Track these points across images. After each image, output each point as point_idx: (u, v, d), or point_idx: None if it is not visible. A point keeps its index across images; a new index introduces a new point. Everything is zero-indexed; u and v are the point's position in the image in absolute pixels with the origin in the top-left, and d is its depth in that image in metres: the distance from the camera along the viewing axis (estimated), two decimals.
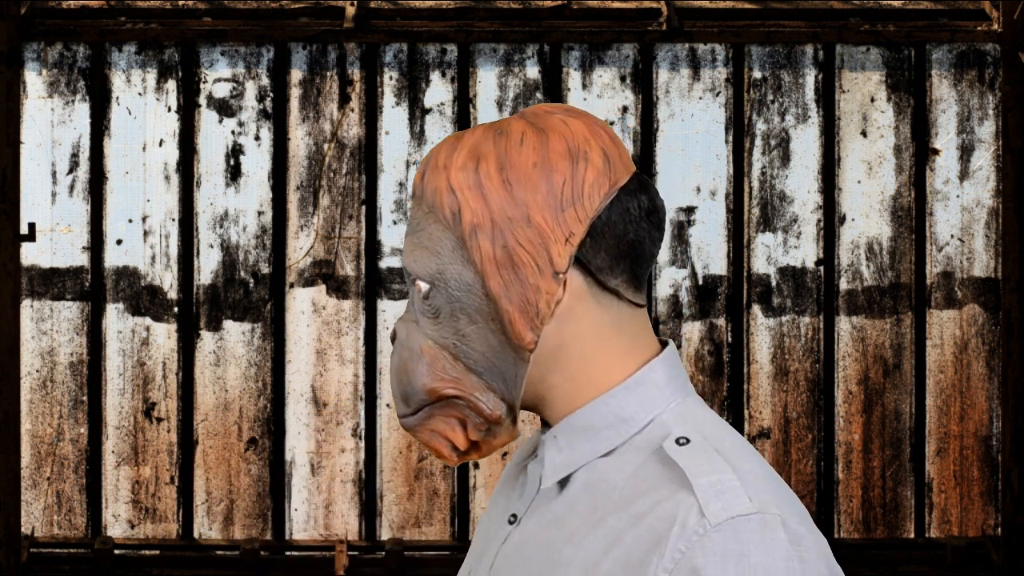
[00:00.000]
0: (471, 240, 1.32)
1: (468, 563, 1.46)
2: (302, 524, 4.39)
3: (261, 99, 4.38)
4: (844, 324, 4.40)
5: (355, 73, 4.38)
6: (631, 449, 1.33)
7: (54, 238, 4.35)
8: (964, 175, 4.42)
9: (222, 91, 4.38)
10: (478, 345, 1.34)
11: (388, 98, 4.38)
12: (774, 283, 4.40)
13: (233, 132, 4.37)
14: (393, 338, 1.39)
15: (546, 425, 1.37)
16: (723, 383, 4.39)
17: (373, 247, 4.35)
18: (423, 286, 1.34)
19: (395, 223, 4.38)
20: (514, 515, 1.39)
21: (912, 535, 4.40)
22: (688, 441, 1.29)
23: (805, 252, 4.40)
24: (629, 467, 1.31)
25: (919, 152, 4.40)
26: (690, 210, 4.40)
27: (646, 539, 1.23)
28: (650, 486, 1.27)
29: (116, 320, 4.35)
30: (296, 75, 4.38)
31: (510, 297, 1.32)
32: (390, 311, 4.36)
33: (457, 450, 1.37)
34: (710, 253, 4.40)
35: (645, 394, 1.35)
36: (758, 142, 4.41)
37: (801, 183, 4.41)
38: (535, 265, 1.31)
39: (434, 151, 1.36)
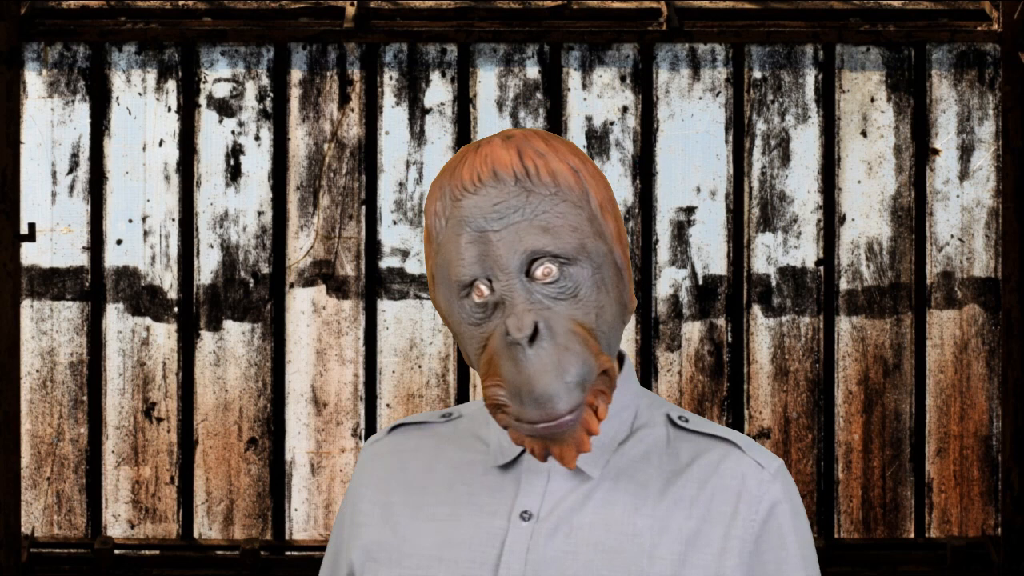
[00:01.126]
0: (602, 215, 1.41)
1: (454, 570, 1.41)
2: (302, 524, 4.39)
3: (261, 99, 4.38)
4: (844, 324, 4.40)
5: (355, 73, 4.38)
6: (642, 432, 1.44)
7: (54, 238, 4.35)
8: (964, 175, 4.42)
9: (222, 91, 4.38)
10: (608, 315, 1.41)
11: (388, 98, 4.38)
12: (774, 283, 4.40)
13: (233, 132, 4.37)
14: (535, 332, 1.35)
15: None
16: (723, 383, 4.39)
17: (373, 247, 4.35)
18: (552, 268, 1.37)
19: (395, 223, 4.38)
20: (527, 512, 1.40)
21: (912, 535, 4.40)
22: (688, 418, 1.46)
23: (805, 252, 4.40)
24: (655, 446, 1.44)
25: (919, 152, 4.40)
26: (690, 210, 4.40)
27: (723, 494, 1.40)
28: (696, 453, 1.43)
29: (116, 320, 4.35)
30: (296, 75, 4.38)
31: (627, 267, 1.43)
32: (390, 311, 4.36)
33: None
34: (710, 253, 4.40)
35: (633, 384, 1.47)
36: (758, 142, 4.41)
37: (801, 183, 4.41)
38: (627, 243, 1.46)
39: (515, 138, 1.39)
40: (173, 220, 4.36)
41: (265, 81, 4.38)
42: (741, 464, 1.42)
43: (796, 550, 1.42)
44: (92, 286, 4.33)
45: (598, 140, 4.39)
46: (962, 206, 4.41)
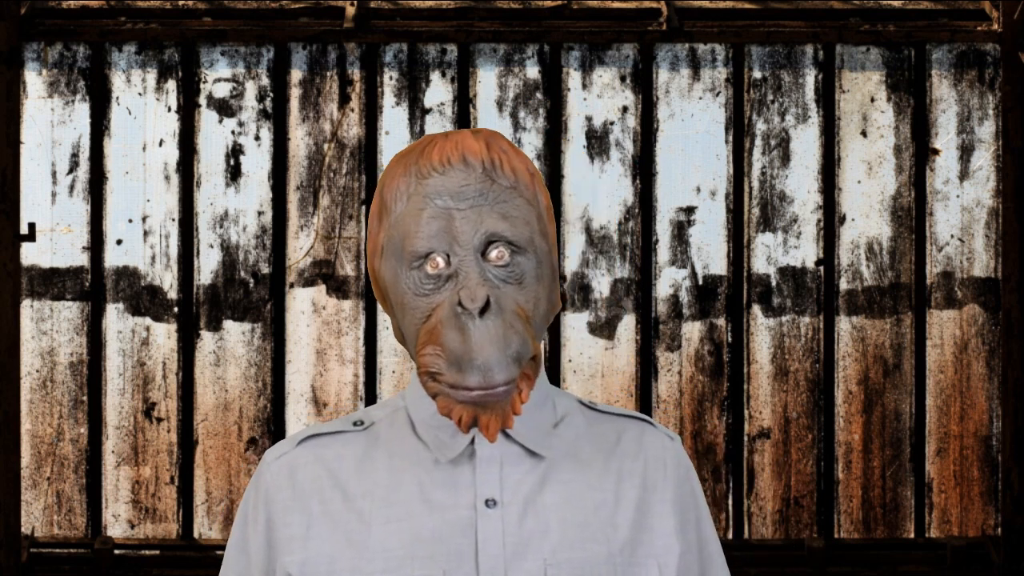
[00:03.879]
0: (547, 219, 1.55)
1: (432, 565, 1.45)
2: None
3: (261, 99, 4.38)
4: (844, 324, 4.40)
5: (355, 73, 4.38)
6: (567, 417, 1.57)
7: (54, 238, 4.35)
8: (964, 175, 4.42)
9: (222, 91, 4.38)
10: (542, 308, 1.52)
11: (388, 98, 4.38)
12: (774, 283, 4.40)
13: (233, 132, 4.38)
14: (486, 304, 1.45)
15: None
16: (723, 383, 4.39)
17: None
18: (505, 253, 1.48)
19: None
20: (491, 499, 1.47)
21: (912, 535, 4.40)
22: (595, 403, 1.61)
23: (805, 252, 4.40)
24: (581, 428, 1.57)
25: (919, 152, 4.40)
26: (690, 210, 4.40)
27: (653, 464, 1.57)
28: (619, 432, 1.58)
29: (116, 320, 4.35)
30: (296, 75, 4.38)
31: (560, 269, 1.52)
32: None
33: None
34: (710, 253, 4.40)
35: (546, 377, 1.59)
36: (758, 142, 4.41)
37: (801, 183, 4.41)
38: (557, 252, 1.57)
39: (482, 134, 1.51)
40: (173, 220, 4.36)
41: (265, 81, 4.38)
42: (657, 437, 1.59)
43: (704, 507, 1.63)
44: (92, 286, 4.33)
45: (598, 140, 4.39)
46: (962, 206, 4.41)
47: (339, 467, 1.51)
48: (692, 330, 4.39)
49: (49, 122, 4.35)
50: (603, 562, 1.49)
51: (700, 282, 4.40)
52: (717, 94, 4.41)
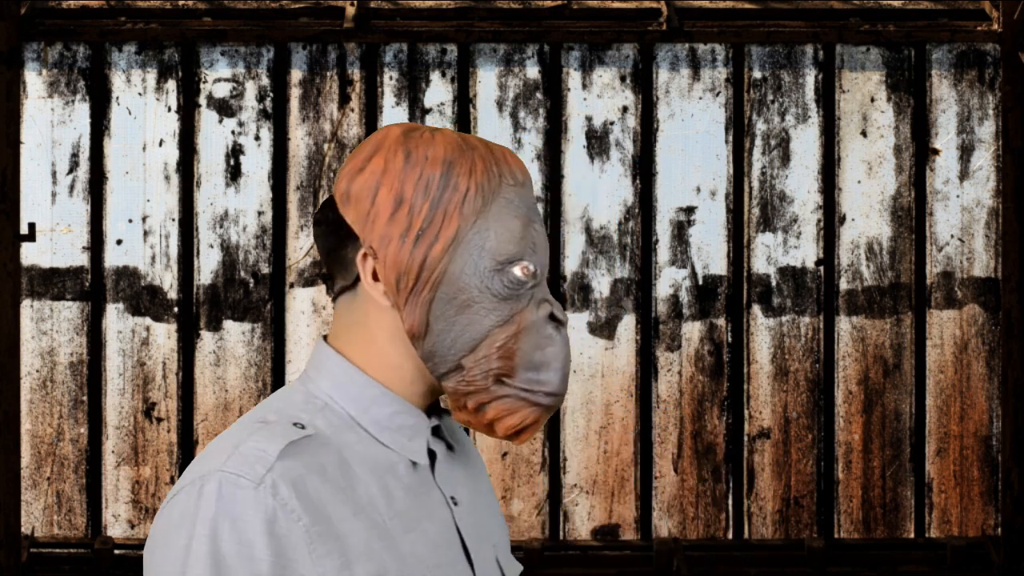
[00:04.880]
0: None
1: (452, 570, 1.44)
2: None
3: (261, 99, 4.38)
4: (844, 324, 4.40)
5: (355, 73, 4.38)
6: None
7: (54, 238, 4.35)
8: (964, 175, 4.41)
9: (222, 91, 4.38)
10: None
11: (388, 98, 4.38)
12: (774, 283, 4.40)
13: (233, 132, 4.37)
14: (561, 322, 1.50)
15: (432, 413, 1.53)
16: (723, 383, 4.39)
17: None
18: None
19: None
20: (454, 498, 1.50)
21: (912, 535, 4.40)
22: None
23: (805, 252, 4.40)
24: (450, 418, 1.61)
25: (919, 152, 4.40)
26: (690, 210, 4.40)
27: (475, 453, 1.62)
28: (453, 428, 1.60)
29: (116, 320, 4.35)
30: (296, 75, 4.38)
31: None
32: None
33: None
34: (710, 253, 4.40)
35: None
36: (758, 142, 4.41)
37: (801, 183, 4.41)
38: None
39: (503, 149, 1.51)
40: (173, 220, 4.36)
41: (265, 81, 4.38)
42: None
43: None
44: (92, 286, 4.33)
45: (598, 140, 4.39)
46: (962, 206, 4.41)
47: (333, 476, 1.41)
48: (692, 330, 4.39)
49: (49, 122, 4.35)
50: (508, 541, 1.59)
51: (700, 282, 4.40)
52: (717, 94, 4.40)
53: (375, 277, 1.46)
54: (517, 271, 1.44)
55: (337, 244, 1.48)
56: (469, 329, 1.45)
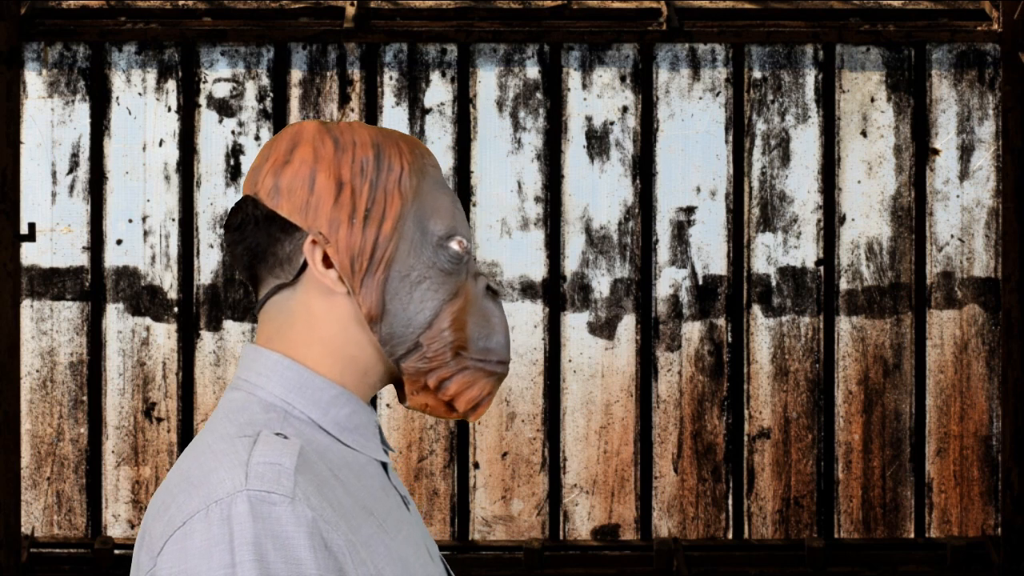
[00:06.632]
0: None
1: (432, 567, 1.45)
2: None
3: (261, 99, 4.38)
4: (844, 324, 4.40)
5: (355, 73, 4.38)
6: None
7: (54, 238, 4.35)
8: (964, 175, 4.42)
9: (222, 91, 4.38)
10: None
11: (388, 98, 4.38)
12: (774, 283, 4.40)
13: (233, 132, 4.38)
14: (497, 292, 1.52)
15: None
16: (723, 383, 4.39)
17: None
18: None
19: None
20: (405, 498, 1.50)
21: (912, 535, 4.40)
22: None
23: (805, 252, 4.40)
24: None
25: (919, 152, 4.40)
26: (690, 210, 4.40)
27: None
28: None
29: (116, 320, 4.35)
30: (296, 75, 4.38)
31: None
32: None
33: None
34: (710, 253, 4.40)
35: None
36: (758, 142, 4.41)
37: (801, 183, 4.41)
38: None
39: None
40: (173, 220, 4.36)
41: (265, 81, 4.38)
42: None
43: None
44: (92, 286, 4.33)
45: (598, 140, 4.39)
46: (962, 206, 4.41)
47: (343, 480, 1.39)
48: (692, 330, 4.39)
49: (49, 122, 4.35)
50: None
51: (700, 282, 4.40)
52: (717, 94, 4.41)
53: (327, 264, 1.43)
54: (454, 245, 1.46)
55: (268, 241, 1.44)
56: (423, 306, 1.44)
